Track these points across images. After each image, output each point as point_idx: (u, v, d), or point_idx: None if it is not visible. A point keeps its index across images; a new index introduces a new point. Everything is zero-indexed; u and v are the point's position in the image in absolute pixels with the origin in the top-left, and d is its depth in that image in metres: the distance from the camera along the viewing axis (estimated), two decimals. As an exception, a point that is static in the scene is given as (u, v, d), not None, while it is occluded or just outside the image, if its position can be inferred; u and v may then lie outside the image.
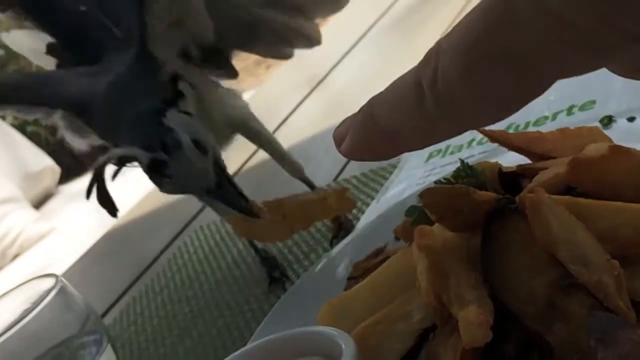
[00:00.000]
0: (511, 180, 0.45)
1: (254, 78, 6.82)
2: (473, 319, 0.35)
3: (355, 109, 0.93)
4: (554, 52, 0.23)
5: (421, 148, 0.33)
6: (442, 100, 0.25)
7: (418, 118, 0.27)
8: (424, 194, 0.39)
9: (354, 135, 0.30)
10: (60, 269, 2.13)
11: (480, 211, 0.39)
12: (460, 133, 0.35)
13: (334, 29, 1.72)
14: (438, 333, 0.39)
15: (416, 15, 1.36)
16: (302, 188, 0.87)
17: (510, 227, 0.38)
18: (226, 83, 0.77)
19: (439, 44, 0.26)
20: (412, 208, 0.45)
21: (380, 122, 0.28)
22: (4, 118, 4.48)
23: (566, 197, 0.38)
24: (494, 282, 0.38)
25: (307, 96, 1.26)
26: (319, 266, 0.61)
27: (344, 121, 0.32)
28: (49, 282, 0.62)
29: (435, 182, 0.45)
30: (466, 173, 0.43)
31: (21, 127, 5.10)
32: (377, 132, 0.29)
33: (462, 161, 0.44)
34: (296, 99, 1.28)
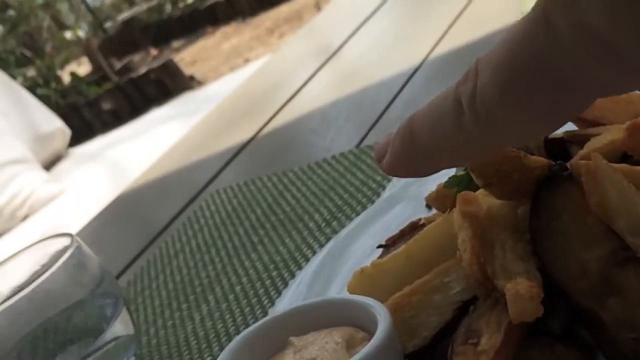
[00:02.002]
0: (557, 147, 0.42)
1: (267, 46, 6.75)
2: (523, 292, 0.32)
3: (369, 80, 0.92)
4: (595, 73, 0.23)
5: (460, 165, 0.31)
6: (480, 118, 0.26)
7: (457, 135, 0.27)
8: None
9: (394, 152, 0.30)
10: (70, 231, 2.11)
11: (531, 177, 0.36)
12: (498, 150, 0.34)
13: (348, 1, 1.69)
14: (479, 306, 0.37)
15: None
16: (317, 152, 0.84)
17: (563, 195, 0.36)
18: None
19: (478, 62, 0.26)
20: (452, 178, 0.42)
21: (419, 139, 0.29)
22: (14, 78, 4.46)
23: (623, 165, 0.36)
24: (542, 254, 0.35)
25: (322, 66, 1.23)
26: (346, 231, 0.58)
27: (384, 137, 0.32)
28: (63, 242, 0.60)
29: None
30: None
31: (31, 89, 5.08)
32: (416, 149, 0.29)
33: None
34: (311, 67, 1.25)
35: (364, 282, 0.42)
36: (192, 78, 6.21)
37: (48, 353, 0.58)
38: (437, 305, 0.38)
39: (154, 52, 7.86)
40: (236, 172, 0.96)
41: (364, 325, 0.38)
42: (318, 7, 6.59)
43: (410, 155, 0.29)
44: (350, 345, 0.37)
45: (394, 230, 0.52)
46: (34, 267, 0.60)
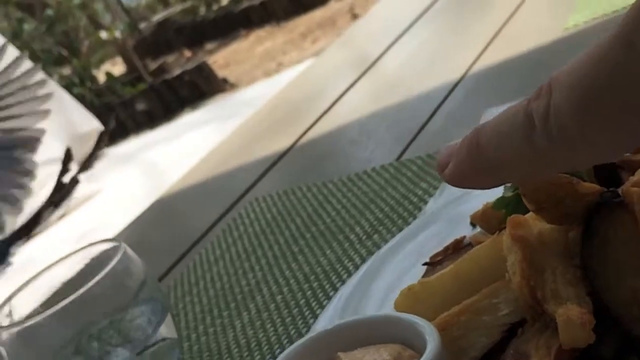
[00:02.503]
0: (608, 173, 0.43)
1: (300, 51, 6.76)
2: (575, 318, 0.33)
3: (409, 92, 0.92)
4: None
5: (526, 180, 0.33)
6: (553, 135, 0.26)
7: (526, 151, 0.27)
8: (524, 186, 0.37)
9: (458, 163, 0.30)
10: (106, 231, 2.15)
11: (582, 204, 0.37)
12: (567, 170, 0.34)
13: (387, 10, 1.69)
14: (528, 329, 0.37)
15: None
16: (356, 163, 0.85)
17: (614, 222, 0.36)
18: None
19: (552, 79, 0.26)
20: (500, 200, 0.43)
21: (486, 152, 0.29)
22: (50, 76, 4.52)
23: (676, 195, 0.36)
24: (593, 280, 0.36)
25: (361, 76, 1.24)
26: (386, 248, 0.59)
27: (447, 148, 0.32)
28: (111, 246, 0.61)
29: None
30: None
31: (67, 88, 5.16)
32: (482, 162, 0.29)
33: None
34: (349, 78, 1.26)
35: (411, 300, 0.42)
36: (225, 81, 6.26)
37: (94, 356, 0.59)
38: (485, 326, 0.39)
39: (187, 53, 7.93)
40: (274, 181, 0.97)
41: (412, 344, 0.39)
42: (352, 12, 6.61)
43: (475, 167, 0.30)
44: (399, 363, 0.38)
45: (433, 247, 0.53)
46: (82, 271, 0.62)
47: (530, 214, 0.39)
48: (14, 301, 0.60)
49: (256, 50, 7.17)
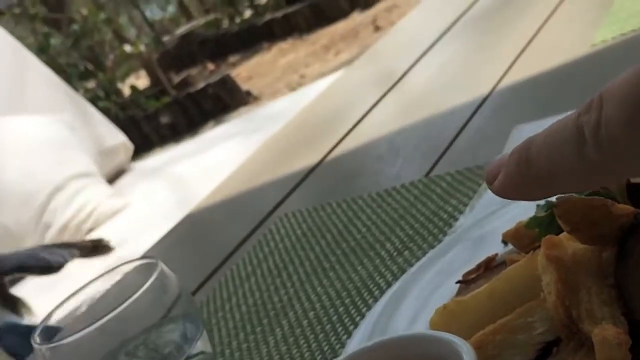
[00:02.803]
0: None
1: (323, 63, 6.78)
2: (611, 337, 0.34)
3: (437, 108, 0.94)
4: None
5: (575, 192, 0.34)
6: (604, 148, 0.27)
7: (577, 163, 0.28)
8: (559, 205, 0.38)
9: (507, 174, 0.31)
10: (134, 246, 2.17)
11: (616, 225, 0.37)
12: (617, 182, 0.35)
13: (414, 24, 1.70)
14: (563, 348, 0.38)
15: (501, 13, 1.33)
16: (385, 179, 0.86)
17: (648, 244, 0.36)
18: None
19: (602, 93, 0.27)
20: (533, 219, 0.43)
21: (536, 164, 0.30)
22: (76, 89, 4.58)
23: None
24: (628, 301, 0.36)
25: (387, 93, 1.25)
26: (417, 266, 0.60)
27: (495, 160, 0.33)
28: (148, 264, 0.63)
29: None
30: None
31: (93, 102, 5.22)
32: (532, 173, 0.30)
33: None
34: (375, 94, 1.27)
35: (446, 318, 0.43)
36: (248, 93, 6.30)
37: (131, 371, 0.60)
38: (520, 345, 0.39)
39: (210, 66, 7.99)
40: (303, 197, 0.99)
41: (449, 362, 0.39)
42: (375, 24, 6.63)
43: (524, 179, 0.30)
44: (436, 381, 0.39)
45: (463, 265, 0.54)
46: (120, 288, 0.63)
47: (564, 233, 0.40)
48: (54, 317, 0.62)
49: (279, 62, 7.22)
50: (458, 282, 0.50)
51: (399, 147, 0.97)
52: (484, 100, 0.95)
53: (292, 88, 6.01)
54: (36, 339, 0.59)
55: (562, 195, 0.43)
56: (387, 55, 1.59)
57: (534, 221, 0.44)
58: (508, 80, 0.97)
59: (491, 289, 0.43)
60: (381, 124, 1.12)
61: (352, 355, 0.42)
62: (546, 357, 0.39)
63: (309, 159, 1.11)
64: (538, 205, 0.45)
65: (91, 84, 7.16)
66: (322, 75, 5.84)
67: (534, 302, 0.40)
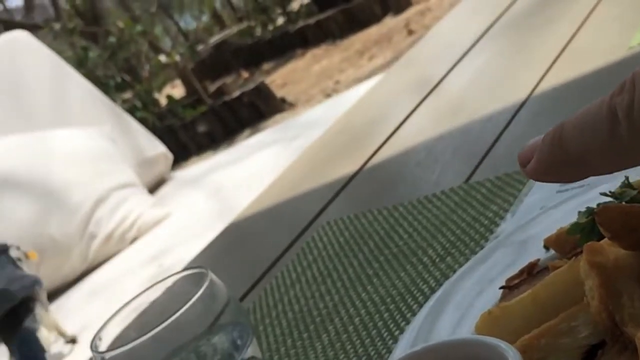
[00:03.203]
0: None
1: (356, 68, 6.80)
2: (653, 340, 0.35)
3: (474, 114, 0.96)
4: None
5: (608, 173, 0.33)
6: (636, 128, 0.27)
7: (610, 145, 0.28)
8: (600, 212, 0.39)
9: (541, 157, 0.32)
10: (178, 254, 2.21)
11: (657, 231, 0.38)
12: None
13: (449, 29, 1.71)
14: (607, 350, 0.39)
15: (537, 16, 1.34)
16: (424, 186, 0.87)
17: (689, 249, 0.38)
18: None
19: (635, 74, 0.28)
20: (575, 226, 0.45)
21: (569, 146, 0.30)
22: (114, 101, 4.65)
23: None
24: (670, 304, 0.37)
25: (424, 99, 1.26)
26: (459, 271, 0.61)
27: (528, 144, 0.33)
28: (198, 274, 0.65)
29: (600, 194, 0.45)
30: (631, 191, 0.43)
31: (130, 112, 5.29)
32: (565, 156, 0.30)
33: (626, 178, 0.44)
34: (412, 100, 1.28)
35: (491, 323, 0.45)
36: (283, 100, 6.34)
37: (183, 378, 0.62)
38: (565, 349, 0.41)
39: (245, 74, 8.05)
40: (343, 205, 1.00)
41: (495, 365, 0.41)
42: (408, 28, 6.62)
43: (558, 161, 0.31)
44: (483, 384, 0.40)
45: (505, 271, 0.55)
46: (171, 297, 0.66)
47: (605, 239, 0.41)
48: (110, 325, 0.64)
49: (313, 69, 7.25)
50: (501, 287, 0.52)
51: (437, 153, 0.98)
52: (521, 105, 0.96)
53: (327, 94, 6.04)
54: (95, 347, 0.61)
55: (604, 202, 0.44)
56: (423, 61, 1.60)
57: (575, 227, 0.46)
58: (545, 85, 0.98)
59: (535, 294, 0.44)
60: (419, 131, 1.13)
61: (409, 355, 0.44)
62: (591, 359, 0.40)
63: (348, 167, 1.13)
64: (579, 212, 0.47)
65: (128, 95, 7.26)
66: (356, 80, 5.85)
67: (577, 307, 0.41)
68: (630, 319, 0.37)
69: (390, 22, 7.22)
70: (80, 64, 6.52)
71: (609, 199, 0.45)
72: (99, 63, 7.17)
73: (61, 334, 2.16)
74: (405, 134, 1.15)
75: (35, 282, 2.11)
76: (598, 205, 0.44)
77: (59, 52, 4.56)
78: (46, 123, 2.76)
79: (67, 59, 4.95)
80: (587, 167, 0.30)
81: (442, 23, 1.88)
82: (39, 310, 2.09)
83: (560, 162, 0.31)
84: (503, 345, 0.41)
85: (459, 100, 1.18)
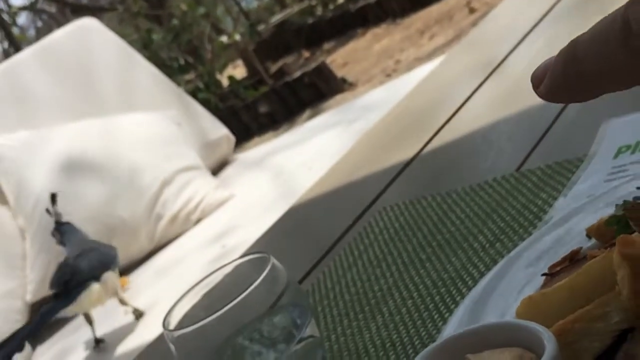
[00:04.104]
0: None
1: (417, 47, 6.76)
2: (676, 327, 0.38)
3: (530, 100, 1.00)
4: None
5: (623, 89, 0.31)
6: None
7: (624, 57, 0.27)
8: (629, 208, 0.42)
9: (554, 75, 0.31)
10: (241, 235, 2.28)
11: (684, 225, 0.41)
12: None
13: (511, 10, 1.72)
14: (636, 334, 0.42)
15: (596, 1, 1.34)
16: (478, 173, 0.90)
17: None
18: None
19: None
20: (613, 217, 0.48)
21: (582, 63, 0.29)
22: (178, 83, 4.75)
23: None
24: (695, 293, 0.40)
25: (484, 81, 1.28)
26: (507, 257, 0.64)
27: (542, 64, 0.32)
28: (260, 258, 0.70)
29: (637, 188, 0.48)
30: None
31: (193, 94, 5.39)
32: (579, 72, 0.30)
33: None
34: (472, 84, 1.30)
35: (531, 308, 0.48)
36: (344, 80, 6.36)
37: (248, 352, 0.67)
38: (598, 333, 0.44)
39: (306, 54, 8.09)
40: (399, 191, 1.04)
41: (532, 348, 0.44)
42: (469, 6, 6.56)
43: (572, 78, 0.30)
44: (520, 364, 0.43)
45: (552, 258, 0.58)
46: (236, 279, 0.70)
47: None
48: (180, 304, 0.70)
49: (374, 48, 7.25)
50: (543, 274, 0.55)
51: (492, 140, 1.01)
52: (575, 93, 0.97)
53: (387, 74, 6.04)
54: (166, 325, 0.67)
55: (636, 197, 0.47)
56: (483, 44, 1.62)
57: (612, 219, 0.49)
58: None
59: (572, 282, 0.47)
60: (475, 116, 1.15)
61: (447, 340, 0.48)
62: (621, 343, 0.43)
63: (406, 153, 1.16)
64: (616, 205, 0.49)
65: (191, 76, 7.37)
66: (417, 60, 5.84)
67: (610, 294, 0.44)
68: (657, 306, 0.40)
69: (451, 1, 7.15)
70: (145, 47, 6.66)
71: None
72: (163, 45, 7.30)
73: (122, 301, 2.23)
74: (462, 120, 1.17)
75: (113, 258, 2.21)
76: (635, 199, 0.47)
77: (124, 36, 4.67)
78: (114, 107, 2.86)
79: (132, 42, 5.07)
80: (601, 85, 0.29)
81: (504, 3, 1.88)
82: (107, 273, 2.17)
83: (574, 80, 0.30)
84: (540, 328, 0.44)
85: (516, 86, 1.20)
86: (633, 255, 0.42)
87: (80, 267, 2.13)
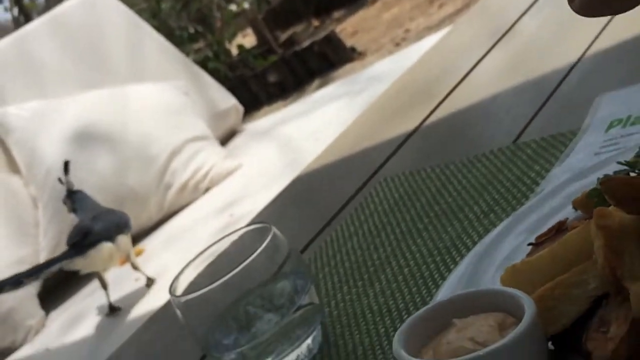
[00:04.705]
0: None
1: (427, 17, 6.72)
2: (644, 293, 0.40)
3: (544, 62, 1.02)
4: None
5: None
6: None
7: None
8: (604, 183, 0.44)
9: None
10: (248, 205, 2.31)
11: (656, 198, 0.44)
12: None
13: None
14: (610, 301, 0.45)
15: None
16: (477, 145, 0.92)
17: (683, 214, 0.43)
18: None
19: None
20: (593, 190, 0.50)
21: None
22: (187, 55, 4.77)
23: None
24: (664, 262, 0.43)
25: (490, 50, 1.30)
26: (499, 228, 0.67)
27: None
28: (262, 228, 0.73)
29: (617, 162, 0.50)
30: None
31: (202, 64, 5.39)
32: None
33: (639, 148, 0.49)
34: (479, 51, 1.32)
35: (514, 276, 0.51)
36: (353, 49, 6.35)
37: (251, 317, 0.71)
38: (575, 298, 0.47)
39: (315, 22, 8.06)
40: (402, 161, 1.06)
41: (514, 312, 0.47)
42: (480, -25, 6.50)
43: None
44: (502, 328, 0.46)
45: (541, 228, 0.61)
46: (239, 248, 0.74)
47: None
48: (186, 272, 0.73)
49: (383, 17, 7.21)
50: (529, 244, 0.58)
51: (490, 112, 1.03)
52: (572, 67, 0.99)
53: (397, 43, 6.02)
54: (173, 291, 0.70)
55: (619, 170, 0.49)
56: (493, 10, 1.62)
57: (593, 192, 0.51)
58: (598, 46, 1.01)
59: (553, 251, 0.50)
60: (479, 87, 1.17)
61: (435, 306, 0.51)
62: (597, 308, 0.46)
63: (408, 124, 1.18)
64: (598, 178, 0.52)
65: (200, 45, 7.36)
66: (426, 29, 5.81)
67: (587, 263, 0.47)
68: (628, 275, 0.43)
69: (461, -32, 7.09)
70: (154, 16, 6.65)
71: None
72: (172, 14, 7.29)
73: (134, 266, 2.27)
74: (465, 91, 1.19)
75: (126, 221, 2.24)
76: (616, 173, 0.50)
77: (133, 5, 4.68)
78: (123, 77, 2.88)
79: (141, 12, 5.08)
80: None
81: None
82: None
83: None
84: (521, 295, 0.47)
85: (523, 53, 1.22)
86: (607, 227, 0.45)
87: (95, 228, 2.17)
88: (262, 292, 0.71)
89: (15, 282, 2.12)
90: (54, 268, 2.16)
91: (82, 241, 2.15)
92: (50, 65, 2.89)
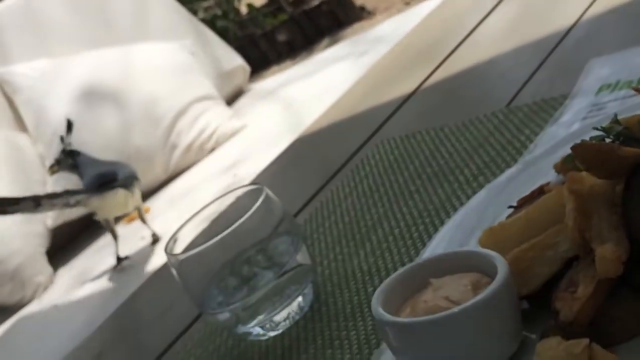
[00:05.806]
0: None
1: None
2: (608, 255, 0.42)
3: (542, 26, 1.04)
4: None
5: None
6: None
7: None
8: (575, 148, 0.46)
9: None
10: (251, 165, 2.33)
11: (624, 164, 0.45)
12: None
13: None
14: (580, 262, 0.47)
15: None
16: (471, 107, 0.94)
17: (650, 179, 0.44)
18: None
19: None
20: (569, 155, 0.52)
21: None
22: (195, 13, 4.74)
23: None
24: (630, 224, 0.45)
25: (492, 10, 1.29)
26: (486, 189, 0.69)
27: None
28: (255, 190, 0.74)
29: (593, 128, 0.52)
30: (618, 127, 0.49)
31: (211, 22, 5.36)
32: None
33: (615, 115, 0.51)
34: (480, 14, 1.31)
35: (491, 238, 0.53)
36: (362, 8, 6.30)
37: (244, 276, 0.73)
38: (548, 260, 0.49)
39: (325, -20, 7.98)
40: (399, 124, 1.08)
41: (488, 273, 0.49)
42: None
43: None
44: (476, 287, 0.48)
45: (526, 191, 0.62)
46: (234, 209, 0.76)
47: (587, 170, 0.48)
48: (181, 232, 0.75)
49: (393, -25, 7.13)
50: (510, 207, 0.59)
51: (485, 76, 1.04)
52: (568, 31, 1.00)
53: (407, 2, 5.97)
54: (169, 250, 0.72)
55: (595, 135, 0.51)
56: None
57: (569, 157, 0.53)
58: (594, 11, 1.01)
59: (528, 214, 0.52)
60: (477, 51, 1.18)
61: (413, 266, 0.53)
62: (568, 269, 0.48)
63: (409, 86, 1.19)
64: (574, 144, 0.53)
65: (209, 3, 7.31)
66: (436, -12, 5.75)
67: (560, 225, 0.49)
68: (596, 237, 0.45)
69: None
70: (163, -27, 6.60)
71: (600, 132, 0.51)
72: (181, -28, 7.23)
73: (143, 219, 2.30)
74: (465, 54, 1.20)
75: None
76: (592, 138, 0.51)
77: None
78: (130, 36, 2.89)
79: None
80: None
81: None
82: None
83: None
84: (495, 255, 0.49)
85: (515, 22, 1.22)
86: (578, 191, 0.46)
87: (120, 174, 2.20)
88: (255, 252, 0.73)
89: (34, 200, 2.12)
90: (72, 200, 2.17)
91: (102, 183, 2.17)
92: (56, 24, 2.89)
